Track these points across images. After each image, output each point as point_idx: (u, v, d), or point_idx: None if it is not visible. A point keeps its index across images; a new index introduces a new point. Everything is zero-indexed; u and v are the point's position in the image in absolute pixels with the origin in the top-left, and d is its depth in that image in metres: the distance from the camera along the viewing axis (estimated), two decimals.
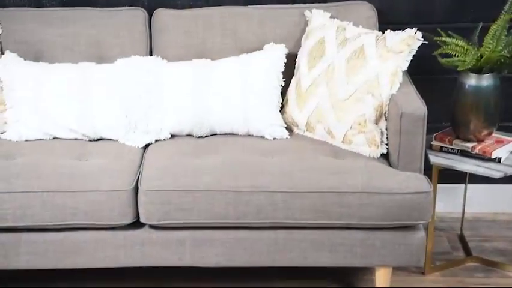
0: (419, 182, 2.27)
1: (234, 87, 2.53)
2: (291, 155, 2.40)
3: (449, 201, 2.97)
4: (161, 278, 2.56)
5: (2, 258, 2.26)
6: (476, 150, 2.47)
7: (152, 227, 2.30)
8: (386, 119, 2.40)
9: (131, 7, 2.74)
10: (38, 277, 2.52)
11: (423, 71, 2.71)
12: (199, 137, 2.57)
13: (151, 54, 2.68)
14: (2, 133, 2.52)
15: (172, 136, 2.56)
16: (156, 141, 2.53)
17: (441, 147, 2.54)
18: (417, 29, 2.43)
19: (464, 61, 2.42)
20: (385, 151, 2.41)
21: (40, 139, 2.50)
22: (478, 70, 2.45)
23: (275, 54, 2.58)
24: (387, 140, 2.41)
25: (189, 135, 2.58)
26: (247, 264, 2.35)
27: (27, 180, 2.23)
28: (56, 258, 2.28)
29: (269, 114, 2.55)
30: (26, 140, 2.49)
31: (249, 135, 2.58)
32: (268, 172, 2.30)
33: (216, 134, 2.59)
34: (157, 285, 2.52)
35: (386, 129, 2.41)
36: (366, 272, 2.63)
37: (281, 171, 2.30)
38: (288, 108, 2.59)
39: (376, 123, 2.40)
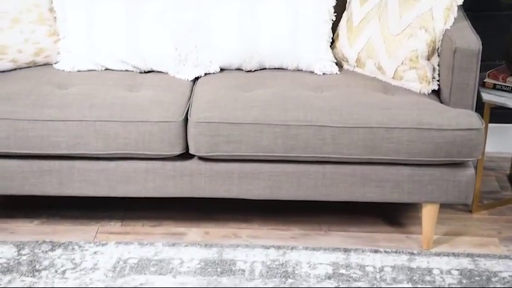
0: (471, 118, 2.24)
1: (283, 20, 2.51)
2: (340, 90, 2.39)
3: (499, 141, 2.93)
4: (209, 209, 2.61)
5: (57, 185, 2.34)
6: None
7: (201, 158, 2.34)
8: (438, 55, 2.36)
9: None
10: (90, 204, 2.60)
11: (479, 7, 2.65)
12: (248, 71, 2.57)
13: None
14: (55, 63, 2.56)
15: (222, 70, 2.57)
16: (206, 74, 2.54)
17: (495, 84, 2.49)
18: None
19: None
20: (436, 87, 2.39)
21: (92, 70, 2.54)
22: None
23: None
24: (439, 76, 2.38)
25: (238, 69, 2.58)
26: (293, 198, 2.37)
27: (80, 109, 2.28)
28: (108, 186, 2.35)
29: (319, 49, 2.53)
30: (79, 71, 2.53)
31: (299, 70, 2.57)
32: (317, 106, 2.29)
33: (265, 69, 2.59)
34: (205, 216, 2.58)
35: (438, 65, 2.37)
36: (413, 208, 2.64)
37: (330, 106, 2.29)
38: (339, 43, 2.56)
39: (428, 59, 2.36)
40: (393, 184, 2.32)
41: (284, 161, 2.33)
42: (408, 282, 2.19)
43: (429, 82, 2.37)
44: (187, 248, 2.36)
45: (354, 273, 2.24)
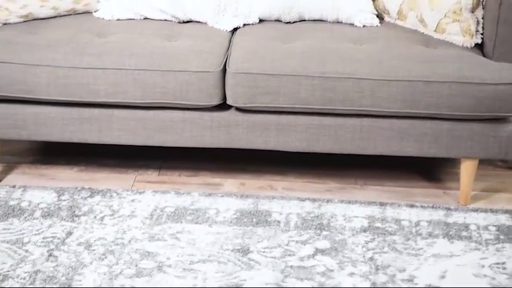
0: None
1: None
2: (380, 43, 2.36)
3: None
4: (245, 161, 2.62)
5: (95, 133, 2.37)
6: None
7: (238, 109, 2.34)
8: (483, 7, 2.31)
9: None
10: (128, 153, 2.63)
11: None
12: (287, 22, 2.55)
13: None
14: (95, 11, 2.57)
15: (261, 21, 2.55)
16: (244, 25, 2.52)
17: None
18: None
19: None
20: (480, 41, 2.33)
21: (131, 19, 2.53)
22: None
23: None
24: (483, 29, 2.32)
25: (277, 20, 2.56)
26: (330, 151, 2.37)
27: (119, 57, 2.28)
28: (146, 136, 2.37)
29: (360, 0, 2.48)
30: (118, 20, 2.53)
31: (338, 22, 2.54)
32: (356, 59, 2.27)
33: (304, 20, 2.56)
34: (241, 168, 2.59)
35: (482, 18, 2.31)
36: (451, 164, 2.62)
37: (370, 59, 2.26)
38: None
39: (472, 12, 2.30)
40: (432, 138, 2.30)
41: (321, 114, 2.32)
42: (444, 237, 2.19)
43: (472, 35, 2.32)
44: (223, 198, 2.38)
45: (389, 226, 2.24)
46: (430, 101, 2.22)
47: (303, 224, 2.24)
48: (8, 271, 1.99)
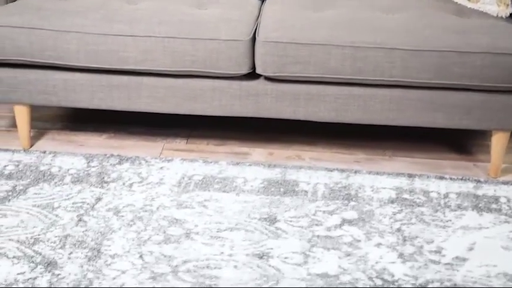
0: None
1: None
2: (412, 12, 2.32)
3: None
4: (273, 130, 2.62)
5: (124, 100, 2.37)
6: None
7: (267, 78, 2.33)
8: None
9: None
10: (156, 121, 2.64)
11: None
12: None
13: None
14: None
15: None
16: None
17: None
18: None
19: None
20: None
21: None
22: None
23: None
24: None
25: None
26: (359, 122, 2.35)
27: (149, 25, 2.28)
28: (175, 104, 2.37)
29: None
30: None
31: None
32: (387, 28, 2.24)
33: None
34: (269, 137, 2.59)
35: None
36: (482, 136, 2.59)
37: (401, 28, 2.23)
38: None
39: None
40: (463, 110, 2.27)
41: (351, 84, 2.30)
42: (473, 210, 2.17)
43: (507, 5, 2.27)
44: (251, 167, 2.38)
45: (418, 198, 2.22)
46: (462, 72, 2.19)
47: (330, 194, 2.24)
48: (38, 235, 2.02)
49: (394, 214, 2.14)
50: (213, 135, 2.60)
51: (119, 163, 2.38)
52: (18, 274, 1.86)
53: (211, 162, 2.41)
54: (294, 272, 1.90)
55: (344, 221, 2.11)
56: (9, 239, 1.99)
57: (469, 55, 2.16)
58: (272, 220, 2.11)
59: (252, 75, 2.32)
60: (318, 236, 2.04)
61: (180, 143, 2.55)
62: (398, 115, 2.31)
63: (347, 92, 2.31)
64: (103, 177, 2.29)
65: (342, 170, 2.37)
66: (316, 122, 2.40)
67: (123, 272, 1.88)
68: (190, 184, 2.28)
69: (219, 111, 2.38)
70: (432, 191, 2.26)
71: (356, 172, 2.36)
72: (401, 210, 2.16)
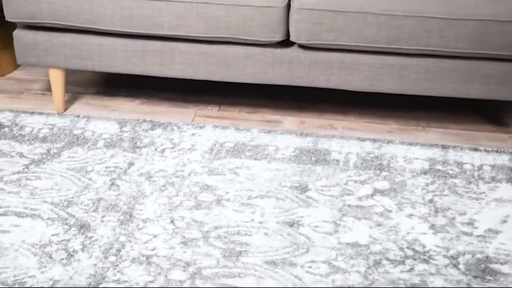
0: None
1: None
2: None
3: None
4: (306, 99, 2.60)
5: (158, 66, 2.38)
6: None
7: (301, 46, 2.31)
8: None
9: None
10: (189, 88, 2.65)
11: None
12: None
13: None
14: None
15: None
16: None
17: None
18: None
19: None
20: None
21: None
22: None
23: None
24: None
25: None
26: (393, 91, 2.33)
27: None
28: (208, 70, 2.37)
29: None
30: None
31: None
32: None
33: None
34: (301, 106, 2.57)
35: None
36: None
37: None
38: None
39: None
40: (500, 81, 2.23)
41: (386, 53, 2.27)
42: (507, 182, 2.14)
43: None
44: (283, 135, 2.37)
45: (451, 169, 2.20)
46: (501, 42, 2.14)
47: (362, 164, 2.23)
48: (72, 197, 2.04)
49: (427, 185, 2.13)
50: (245, 103, 2.60)
51: (152, 129, 2.39)
52: (52, 235, 1.89)
53: (243, 129, 2.41)
54: (325, 240, 1.90)
55: (376, 191, 2.10)
56: (44, 201, 2.02)
57: (508, 24, 2.12)
58: (303, 189, 2.11)
59: (286, 42, 2.31)
60: (349, 206, 2.04)
61: (212, 110, 2.56)
62: (433, 85, 2.28)
63: (381, 61, 2.28)
64: (136, 142, 2.31)
65: (375, 140, 2.35)
66: (349, 91, 2.38)
67: (155, 236, 1.90)
68: (222, 151, 2.28)
69: (252, 78, 2.37)
70: (466, 163, 2.24)
71: (388, 142, 2.34)
72: (434, 181, 2.15)
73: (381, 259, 1.84)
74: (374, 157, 2.26)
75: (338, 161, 2.24)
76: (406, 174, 2.18)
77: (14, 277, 1.75)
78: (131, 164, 2.20)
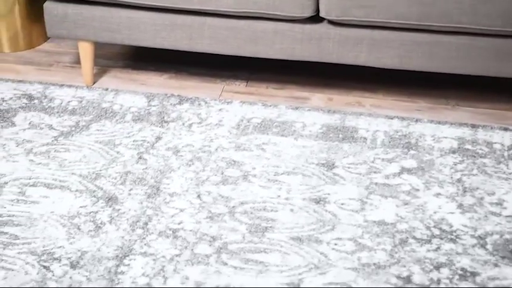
0: None
1: None
2: None
3: None
4: (334, 76, 2.58)
5: (187, 40, 2.37)
6: None
7: (331, 22, 2.29)
8: None
9: None
10: (216, 64, 2.64)
11: None
12: None
13: None
14: None
15: None
16: None
17: None
18: None
19: None
20: None
21: None
22: None
23: None
24: None
25: None
26: (423, 69, 2.30)
27: None
28: (236, 45, 2.36)
29: None
30: None
31: None
32: None
33: None
34: (329, 83, 2.56)
35: None
36: None
37: None
38: None
39: None
40: None
41: (417, 30, 2.24)
42: None
43: None
44: (310, 112, 2.36)
45: (480, 149, 2.17)
46: None
47: (390, 142, 2.21)
48: (100, 170, 2.06)
49: (455, 164, 2.11)
50: (273, 79, 2.59)
51: (179, 103, 2.39)
52: (80, 207, 1.91)
53: (270, 105, 2.40)
54: (351, 218, 1.90)
55: (403, 170, 2.09)
56: (72, 173, 2.04)
57: None
58: (330, 166, 2.10)
59: (315, 18, 2.29)
60: (376, 184, 2.03)
61: (240, 86, 2.55)
62: (464, 63, 2.25)
63: (411, 38, 2.25)
64: (163, 117, 2.32)
65: (403, 118, 2.33)
66: (377, 68, 2.36)
67: (181, 211, 1.91)
68: (249, 127, 2.28)
69: (280, 54, 2.36)
70: (495, 143, 2.21)
71: (417, 121, 2.31)
72: (463, 160, 2.12)
73: (407, 238, 1.83)
74: (402, 135, 2.24)
75: (365, 138, 2.23)
76: (434, 153, 2.16)
77: (43, 247, 1.78)
78: (158, 138, 2.21)
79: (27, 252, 1.76)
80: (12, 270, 1.70)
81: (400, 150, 2.17)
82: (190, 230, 1.85)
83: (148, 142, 2.19)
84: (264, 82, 2.57)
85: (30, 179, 2.02)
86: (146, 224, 1.86)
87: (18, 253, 1.75)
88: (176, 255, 1.76)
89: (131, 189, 1.99)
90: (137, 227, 1.85)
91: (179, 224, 1.87)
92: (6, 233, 1.82)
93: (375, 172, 2.07)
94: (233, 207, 1.93)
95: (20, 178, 2.02)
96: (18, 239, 1.80)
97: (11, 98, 2.39)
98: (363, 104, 2.45)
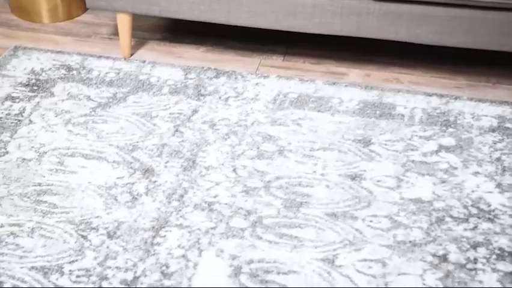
0: None
1: None
2: None
3: None
4: (372, 51, 2.55)
5: (224, 14, 2.36)
6: None
7: None
8: None
9: None
10: (253, 37, 2.62)
11: None
12: None
13: None
14: None
15: None
16: None
17: None
18: None
19: None
20: None
21: None
22: None
23: None
24: None
25: None
26: (464, 45, 2.25)
27: None
28: (274, 19, 2.33)
29: None
30: None
31: None
32: None
33: None
34: (367, 58, 2.53)
35: None
36: None
37: None
38: None
39: None
40: None
41: (459, 5, 2.19)
42: None
43: None
44: (347, 88, 2.34)
45: None
46: None
47: (428, 119, 2.18)
48: (137, 142, 2.07)
49: (494, 143, 2.07)
50: (310, 54, 2.56)
51: (216, 77, 2.39)
52: (117, 178, 1.93)
53: (307, 80, 2.38)
54: (387, 195, 1.89)
55: (441, 147, 2.06)
56: (110, 144, 2.06)
57: None
58: (366, 142, 2.08)
59: None
60: (413, 161, 2.01)
61: (277, 60, 2.54)
62: (506, 40, 2.20)
63: (453, 14, 2.21)
64: (200, 90, 2.32)
65: (442, 96, 2.29)
66: (417, 44, 2.32)
67: (217, 184, 1.92)
68: (285, 102, 2.27)
69: (319, 29, 2.33)
70: None
71: (456, 98, 2.28)
72: (502, 139, 2.09)
73: (444, 216, 1.81)
74: (440, 113, 2.21)
75: (403, 115, 2.20)
76: (473, 131, 2.13)
77: (80, 217, 1.80)
78: (195, 111, 2.21)
79: (65, 221, 1.78)
80: (51, 238, 1.73)
81: (438, 127, 2.14)
82: (226, 204, 1.85)
83: (184, 115, 2.19)
84: (301, 57, 2.55)
85: (68, 149, 2.04)
86: (182, 196, 1.87)
87: (57, 222, 1.78)
88: (212, 228, 1.77)
89: (167, 162, 2.00)
90: (173, 199, 1.86)
91: (214, 197, 1.87)
92: (45, 202, 1.85)
93: (412, 149, 2.05)
94: (268, 181, 1.93)
95: (59, 148, 2.04)
96: (57, 208, 1.83)
97: (50, 69, 2.41)
98: (401, 81, 2.42)
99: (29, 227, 1.76)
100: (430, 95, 2.30)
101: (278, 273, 1.65)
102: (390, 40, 2.32)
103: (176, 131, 2.12)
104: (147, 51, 2.57)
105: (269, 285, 1.62)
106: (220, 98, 2.28)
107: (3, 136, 2.08)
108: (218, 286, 1.62)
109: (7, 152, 2.02)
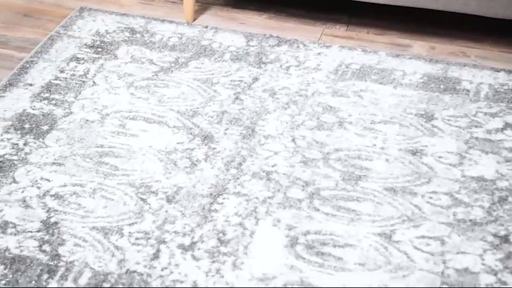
0: None
1: None
2: None
3: None
4: (438, 23, 2.49)
5: None
6: None
7: None
8: None
9: None
10: (317, 5, 2.59)
11: None
12: None
13: None
14: None
15: None
16: None
17: None
18: None
19: None
20: None
21: None
22: None
23: None
24: None
25: None
26: None
27: None
28: None
29: None
30: None
31: None
32: None
33: None
34: (432, 31, 2.47)
35: None
36: None
37: None
38: None
39: None
40: None
41: None
42: None
43: None
44: (411, 60, 2.29)
45: None
46: None
47: (494, 95, 2.12)
48: (197, 108, 2.08)
49: None
50: (374, 24, 2.51)
51: (278, 45, 2.37)
52: (177, 143, 1.95)
53: (370, 51, 2.34)
54: (448, 172, 1.85)
55: (507, 125, 2.00)
56: (171, 109, 2.07)
57: None
58: (429, 117, 2.04)
59: None
60: (476, 138, 1.96)
61: (340, 30, 2.50)
62: None
63: None
64: (261, 58, 2.30)
65: (510, 71, 2.23)
66: (485, 17, 2.25)
67: (275, 153, 1.92)
68: (347, 72, 2.24)
69: None
70: None
71: None
72: None
73: (507, 196, 1.77)
74: (508, 89, 2.15)
75: (468, 90, 2.15)
76: None
77: (141, 180, 1.83)
78: (255, 79, 2.20)
79: (126, 184, 1.81)
80: (112, 200, 1.77)
81: (505, 104, 2.09)
82: (284, 174, 1.85)
83: (245, 83, 2.19)
84: (364, 27, 2.51)
85: (130, 112, 2.07)
86: (240, 164, 1.88)
87: (118, 184, 1.81)
88: (269, 198, 1.78)
89: (227, 129, 2.00)
90: (231, 167, 1.87)
91: (273, 166, 1.87)
92: (107, 164, 1.88)
93: (476, 126, 2.00)
94: (327, 153, 1.92)
95: (121, 111, 2.07)
96: (118, 170, 1.86)
97: (114, 31, 2.43)
98: (467, 55, 2.35)
99: (91, 188, 1.80)
100: (498, 70, 2.23)
101: (334, 245, 1.65)
102: (459, 12, 2.26)
103: (237, 98, 2.12)
104: (210, 17, 2.56)
105: (325, 258, 1.62)
106: (281, 66, 2.26)
107: (68, 96, 2.12)
108: (274, 255, 1.63)
109: (71, 113, 2.06)
